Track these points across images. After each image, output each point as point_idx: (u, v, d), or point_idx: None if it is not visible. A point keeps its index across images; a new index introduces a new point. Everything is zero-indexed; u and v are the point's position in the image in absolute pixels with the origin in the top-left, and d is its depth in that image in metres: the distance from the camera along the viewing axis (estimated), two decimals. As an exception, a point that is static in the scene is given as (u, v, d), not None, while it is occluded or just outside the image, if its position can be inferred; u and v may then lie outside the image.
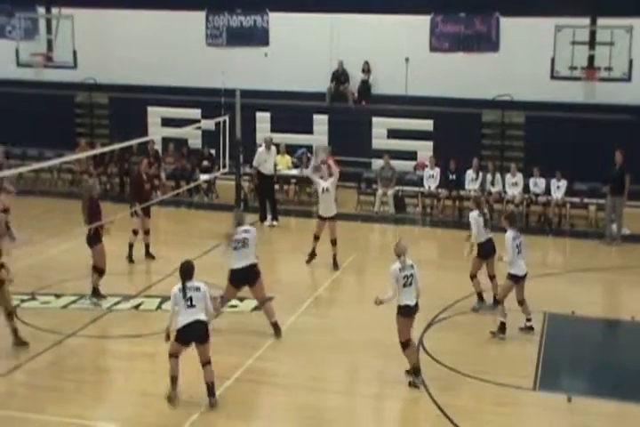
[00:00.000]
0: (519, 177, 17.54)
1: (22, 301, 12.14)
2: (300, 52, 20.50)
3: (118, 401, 9.49)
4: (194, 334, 9.01)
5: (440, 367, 10.19)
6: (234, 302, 12.02)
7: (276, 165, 17.75)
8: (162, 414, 8.96)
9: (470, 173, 17.78)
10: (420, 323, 11.38)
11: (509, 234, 10.96)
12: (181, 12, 21.33)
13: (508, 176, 17.64)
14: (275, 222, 16.85)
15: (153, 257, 14.24)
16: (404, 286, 9.46)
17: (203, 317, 9.02)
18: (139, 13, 21.65)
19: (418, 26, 20.00)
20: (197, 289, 9.07)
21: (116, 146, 16.76)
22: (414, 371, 9.69)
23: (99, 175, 19.33)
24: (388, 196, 17.81)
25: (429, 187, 18.02)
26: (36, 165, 14.26)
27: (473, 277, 11.97)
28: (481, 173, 17.76)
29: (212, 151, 18.89)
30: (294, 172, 18.70)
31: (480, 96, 19.16)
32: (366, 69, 20.42)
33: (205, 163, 19.23)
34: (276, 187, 18.80)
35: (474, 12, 19.77)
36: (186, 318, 8.97)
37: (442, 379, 9.88)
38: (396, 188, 18.03)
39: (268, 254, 15.06)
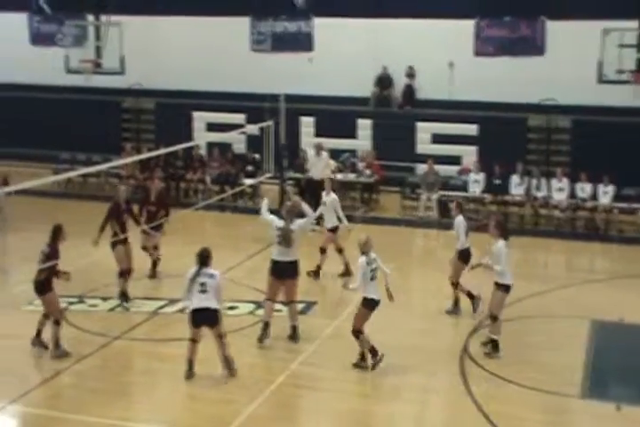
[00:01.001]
0: (565, 182, 17.34)
1: (71, 303, 12.33)
2: (344, 57, 20.51)
3: (163, 404, 9.55)
4: (204, 319, 9.61)
5: (485, 374, 10.10)
6: (278, 306, 12.07)
7: (333, 172, 17.74)
8: (207, 418, 9.02)
9: (515, 178, 17.62)
10: (465, 328, 11.37)
11: (501, 244, 10.45)
12: (226, 17, 21.50)
13: (553, 181, 17.45)
14: (317, 227, 16.87)
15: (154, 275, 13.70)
16: (371, 279, 9.93)
17: (213, 304, 9.56)
18: (185, 20, 21.89)
19: (462, 30, 19.89)
20: (211, 276, 9.60)
21: (162, 151, 17.03)
22: (372, 352, 10.06)
23: (145, 180, 19.58)
24: (432, 200, 17.74)
25: (474, 192, 17.88)
26: (84, 170, 14.54)
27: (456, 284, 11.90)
28: (526, 178, 17.59)
29: (257, 156, 19.02)
30: (338, 176, 18.71)
31: (525, 100, 19.03)
32: (410, 74, 20.37)
33: (250, 167, 19.35)
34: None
35: (519, 15, 19.60)
36: (197, 302, 9.54)
37: (488, 386, 9.79)
38: (440, 192, 17.94)
39: (311, 258, 15.09)
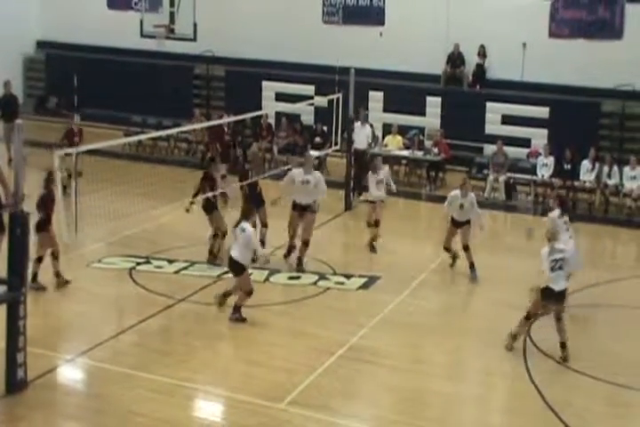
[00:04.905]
0: (639, 170, 16.93)
1: (138, 264, 12.56)
2: (415, 33, 20.24)
3: (226, 369, 9.68)
4: (229, 266, 10.90)
5: (549, 361, 9.96)
6: (341, 278, 12.17)
7: (369, 144, 17.64)
8: (267, 385, 9.10)
9: (586, 164, 17.24)
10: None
11: (555, 213, 11.29)
12: (300, -12, 21.40)
13: (626, 169, 17.02)
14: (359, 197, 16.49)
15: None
16: (552, 269, 9.74)
17: (235, 254, 10.58)
18: (259, -12, 21.85)
19: (537, 10, 19.35)
20: (243, 230, 10.59)
21: (231, 118, 17.11)
22: (562, 345, 9.94)
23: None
24: (500, 182, 17.48)
25: (542, 175, 17.57)
26: (154, 133, 14.81)
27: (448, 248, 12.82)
28: (597, 165, 17.22)
29: (325, 128, 18.97)
30: (405, 153, 18.60)
31: (600, 85, 18.52)
32: (482, 53, 20.02)
33: (317, 139, 19.30)
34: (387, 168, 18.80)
35: (598, -3, 19.08)
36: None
37: (551, 373, 9.69)
38: (508, 174, 17.68)
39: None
